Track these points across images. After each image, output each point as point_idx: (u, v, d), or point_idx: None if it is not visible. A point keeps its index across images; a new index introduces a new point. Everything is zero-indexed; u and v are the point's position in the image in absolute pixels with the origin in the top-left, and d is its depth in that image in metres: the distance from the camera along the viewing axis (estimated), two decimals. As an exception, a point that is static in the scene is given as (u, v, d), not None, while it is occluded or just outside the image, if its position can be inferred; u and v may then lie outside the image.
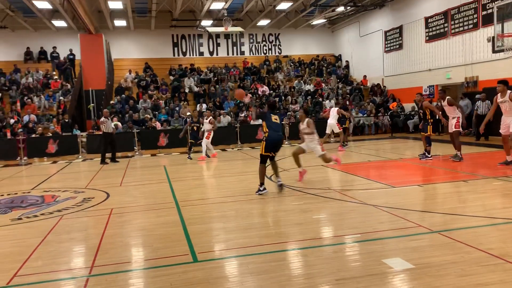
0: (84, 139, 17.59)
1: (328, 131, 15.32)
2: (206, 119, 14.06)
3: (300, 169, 9.02)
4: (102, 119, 14.35)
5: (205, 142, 13.93)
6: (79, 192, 9.15)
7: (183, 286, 3.97)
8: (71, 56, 24.44)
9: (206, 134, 13.86)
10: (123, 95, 22.21)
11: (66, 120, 18.96)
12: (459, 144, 10.65)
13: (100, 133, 18.51)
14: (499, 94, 9.37)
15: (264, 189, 7.75)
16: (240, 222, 6.04)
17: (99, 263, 4.69)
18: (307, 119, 9.05)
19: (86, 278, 4.29)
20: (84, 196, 8.60)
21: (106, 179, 10.98)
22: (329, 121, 15.01)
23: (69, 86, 22.61)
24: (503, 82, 9.38)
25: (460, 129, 10.78)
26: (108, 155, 14.46)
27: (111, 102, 21.53)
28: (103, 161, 14.21)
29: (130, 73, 24.56)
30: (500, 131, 9.52)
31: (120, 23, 24.36)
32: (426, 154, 11.18)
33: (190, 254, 4.79)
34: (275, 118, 7.85)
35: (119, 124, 18.59)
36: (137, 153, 16.90)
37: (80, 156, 16.75)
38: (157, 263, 4.63)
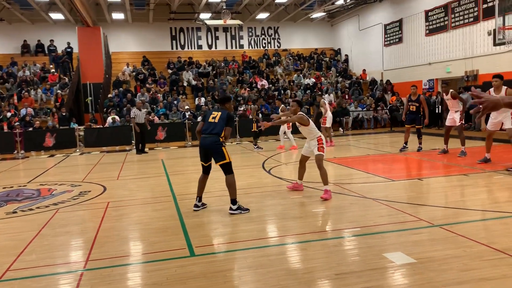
0: (82, 133, 17.50)
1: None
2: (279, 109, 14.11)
3: (298, 181, 7.43)
4: (134, 110, 14.50)
5: (288, 132, 13.89)
6: (76, 185, 9.05)
7: (179, 280, 3.88)
8: (69, 49, 24.27)
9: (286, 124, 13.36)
10: (121, 89, 22.06)
11: (64, 114, 18.82)
12: (464, 139, 10.48)
13: (98, 126, 18.47)
14: (492, 89, 8.80)
15: (242, 208, 6.13)
16: (238, 216, 5.94)
17: (94, 257, 4.61)
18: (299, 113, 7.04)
19: (81, 272, 4.20)
20: (80, 190, 8.51)
21: (103, 172, 10.88)
22: (330, 114, 14.43)
23: (66, 79, 22.46)
24: (499, 76, 8.79)
25: (463, 122, 10.68)
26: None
27: (109, 95, 21.38)
28: (138, 151, 14.58)
29: (128, 67, 24.41)
30: (487, 126, 9.10)
31: (118, 16, 24.16)
32: (419, 146, 11.62)
33: (187, 248, 4.71)
34: (213, 116, 6.21)
35: (117, 117, 18.51)
36: (134, 147, 16.75)
37: (77, 150, 16.64)
38: (153, 257, 4.54)
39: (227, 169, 6.13)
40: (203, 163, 6.33)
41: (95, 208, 6.91)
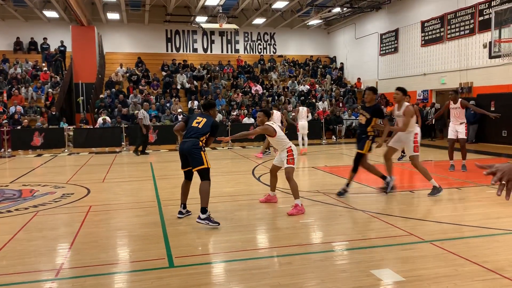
0: (71, 133, 17.21)
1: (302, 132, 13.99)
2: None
3: (271, 193, 7.04)
4: (142, 111, 14.81)
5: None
6: (59, 187, 8.79)
7: (155, 294, 3.66)
8: (62, 48, 23.96)
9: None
10: (113, 89, 21.80)
11: (54, 113, 18.51)
12: (465, 153, 9.93)
13: (88, 127, 18.17)
14: (396, 106, 7.80)
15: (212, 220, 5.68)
16: (223, 225, 5.72)
17: (68, 265, 4.38)
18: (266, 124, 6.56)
19: (52, 281, 3.97)
20: (63, 192, 8.25)
21: (89, 174, 10.62)
22: (302, 122, 13.83)
23: (58, 78, 22.15)
24: (402, 89, 7.67)
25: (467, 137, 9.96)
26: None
27: (101, 96, 21.10)
28: (136, 152, 14.76)
29: (121, 67, 24.15)
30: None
31: (113, 16, 23.94)
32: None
33: (166, 258, 4.49)
34: (197, 121, 5.97)
35: (107, 118, 18.25)
36: (124, 149, 16.53)
37: (66, 150, 16.35)
38: (130, 267, 4.33)
39: (204, 175, 5.82)
40: (183, 169, 6.11)
41: (76, 212, 6.66)
